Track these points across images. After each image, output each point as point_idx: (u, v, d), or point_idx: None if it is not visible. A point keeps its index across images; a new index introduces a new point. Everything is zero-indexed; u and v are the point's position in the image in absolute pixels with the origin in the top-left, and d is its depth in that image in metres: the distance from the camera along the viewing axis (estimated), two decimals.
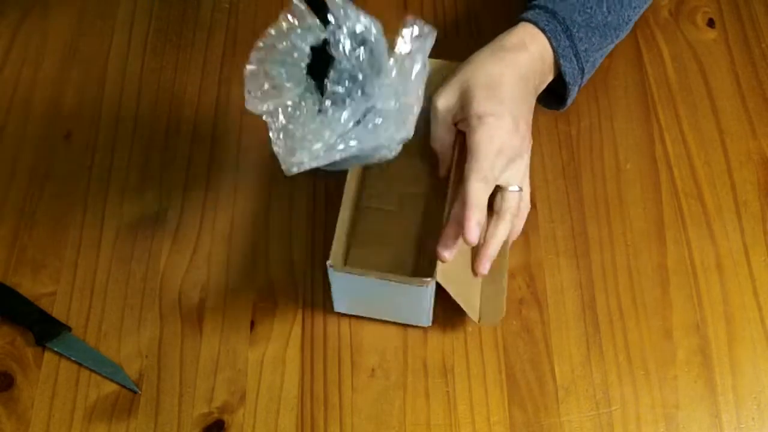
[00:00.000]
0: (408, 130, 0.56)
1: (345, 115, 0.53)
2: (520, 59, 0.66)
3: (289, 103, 0.54)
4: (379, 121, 0.54)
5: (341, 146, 0.53)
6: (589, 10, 0.69)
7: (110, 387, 0.67)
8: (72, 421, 0.66)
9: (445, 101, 0.66)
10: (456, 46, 0.82)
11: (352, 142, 0.53)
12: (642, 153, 0.77)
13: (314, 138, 0.53)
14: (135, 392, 0.67)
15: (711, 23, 0.84)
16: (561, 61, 0.68)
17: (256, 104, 0.54)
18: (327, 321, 0.70)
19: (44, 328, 0.69)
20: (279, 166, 0.77)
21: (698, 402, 0.66)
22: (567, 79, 0.69)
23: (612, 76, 0.78)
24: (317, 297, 0.71)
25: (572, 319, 0.69)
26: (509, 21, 0.84)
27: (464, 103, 0.65)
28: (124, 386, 0.67)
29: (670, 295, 0.70)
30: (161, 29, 0.85)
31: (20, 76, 0.83)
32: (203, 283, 0.72)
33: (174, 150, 0.78)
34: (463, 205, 0.61)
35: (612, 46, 0.74)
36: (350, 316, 0.69)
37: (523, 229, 0.72)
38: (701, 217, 0.74)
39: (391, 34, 0.83)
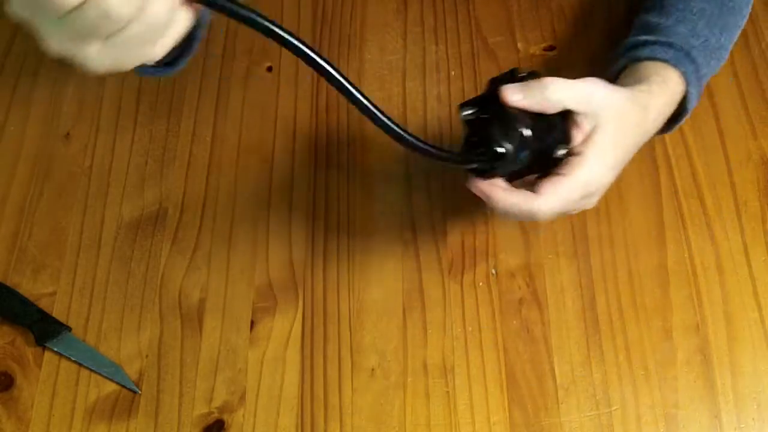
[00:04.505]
0: None
1: None
2: (654, 103, 0.63)
3: None
4: None
5: None
6: (702, 36, 0.67)
7: (110, 387, 0.67)
8: (72, 421, 0.66)
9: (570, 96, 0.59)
10: (456, 48, 0.82)
11: None
12: (642, 153, 0.76)
13: None
14: (135, 392, 0.67)
15: None
16: (689, 88, 0.65)
17: None
18: (327, 321, 0.70)
19: (44, 328, 0.69)
20: (278, 166, 0.77)
21: (698, 402, 0.66)
22: (689, 105, 0.66)
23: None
24: (317, 297, 0.71)
25: (572, 319, 0.69)
26: (509, 22, 0.84)
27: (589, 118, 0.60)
28: (124, 386, 0.67)
29: (670, 296, 0.70)
30: None
31: (20, 76, 0.83)
32: (203, 283, 0.71)
33: (174, 150, 0.78)
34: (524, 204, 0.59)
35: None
36: (350, 316, 0.70)
37: (522, 228, 0.72)
38: (701, 217, 0.74)
39: (391, 35, 0.83)
